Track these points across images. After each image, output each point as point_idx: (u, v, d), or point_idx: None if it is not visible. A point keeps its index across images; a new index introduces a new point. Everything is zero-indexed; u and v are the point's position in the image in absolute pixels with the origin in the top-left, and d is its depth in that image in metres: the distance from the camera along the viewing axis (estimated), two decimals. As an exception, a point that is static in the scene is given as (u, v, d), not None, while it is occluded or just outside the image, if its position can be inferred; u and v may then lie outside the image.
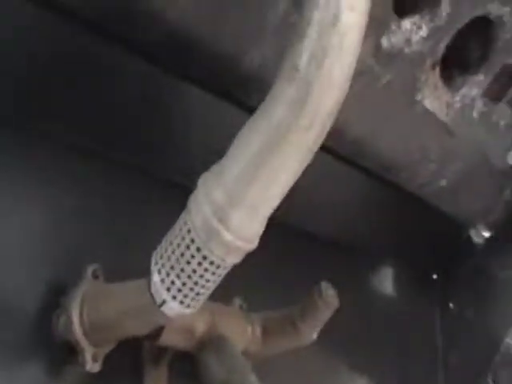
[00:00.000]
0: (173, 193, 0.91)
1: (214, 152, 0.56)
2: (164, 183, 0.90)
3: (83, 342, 0.70)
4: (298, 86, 0.48)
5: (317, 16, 0.46)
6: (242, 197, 0.52)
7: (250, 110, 0.53)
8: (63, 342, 0.71)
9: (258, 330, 0.84)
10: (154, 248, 0.60)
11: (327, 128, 0.50)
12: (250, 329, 0.84)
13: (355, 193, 1.13)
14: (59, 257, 0.75)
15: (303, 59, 0.47)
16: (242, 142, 0.53)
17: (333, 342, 0.99)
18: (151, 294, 0.59)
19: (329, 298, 0.80)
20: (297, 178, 0.53)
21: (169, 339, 0.74)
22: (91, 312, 0.70)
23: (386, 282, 1.34)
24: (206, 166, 0.57)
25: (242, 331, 0.83)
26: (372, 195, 1.13)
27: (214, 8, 0.65)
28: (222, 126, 0.84)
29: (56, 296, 0.72)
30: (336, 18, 0.46)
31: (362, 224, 1.16)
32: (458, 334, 1.37)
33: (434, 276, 1.41)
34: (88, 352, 0.71)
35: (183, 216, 0.56)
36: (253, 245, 0.55)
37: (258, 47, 0.69)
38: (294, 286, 0.96)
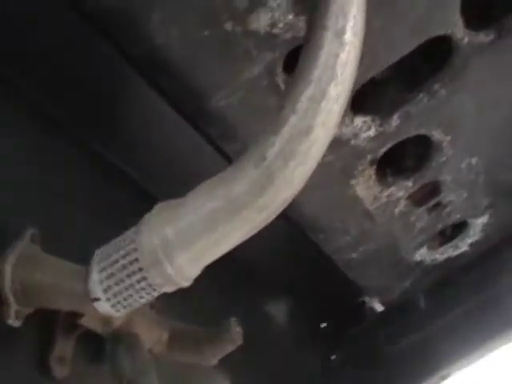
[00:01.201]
0: (115, 175, 1.00)
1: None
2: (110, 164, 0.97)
3: (10, 298, 0.74)
4: (261, 173, 0.56)
5: (293, 121, 0.55)
6: (190, 243, 0.59)
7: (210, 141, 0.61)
8: None
9: (165, 336, 0.92)
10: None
11: (279, 212, 0.59)
12: (158, 332, 0.91)
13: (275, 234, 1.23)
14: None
15: (272, 152, 0.55)
16: (203, 195, 0.60)
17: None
18: (87, 287, 0.65)
19: (235, 334, 0.90)
20: (242, 241, 0.61)
21: (87, 321, 0.82)
22: (25, 275, 0.74)
23: (280, 316, 1.44)
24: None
25: (151, 332, 0.90)
26: (290, 240, 1.23)
27: (200, 49, 0.74)
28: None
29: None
30: (310, 129, 0.54)
31: (271, 260, 1.27)
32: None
33: (323, 325, 1.52)
34: (12, 308, 0.75)
35: (133, 233, 0.63)
36: (188, 284, 0.63)
37: (226, 94, 0.78)
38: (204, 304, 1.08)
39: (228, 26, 0.71)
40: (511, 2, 0.80)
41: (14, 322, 0.76)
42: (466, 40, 0.78)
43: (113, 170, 0.99)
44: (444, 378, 1.39)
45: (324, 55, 0.55)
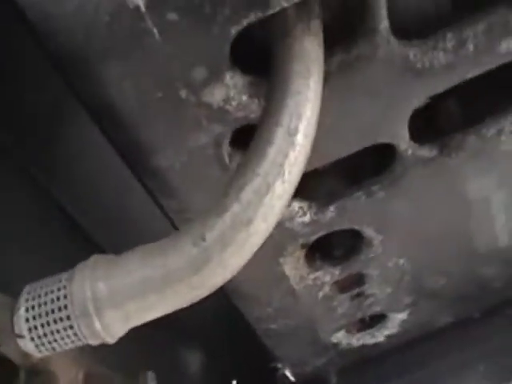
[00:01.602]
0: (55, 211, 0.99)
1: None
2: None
3: None
4: (198, 253, 0.57)
5: (235, 209, 0.56)
6: (120, 304, 0.60)
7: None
8: None
9: (81, 376, 0.92)
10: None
11: (209, 293, 0.61)
12: (74, 371, 0.91)
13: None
14: None
15: (212, 235, 0.57)
16: (140, 260, 0.61)
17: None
18: (12, 321, 0.64)
19: None
20: (171, 311, 0.62)
21: (5, 350, 0.78)
22: None
23: (194, 368, 1.43)
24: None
25: (68, 371, 0.90)
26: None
27: (151, 108, 0.75)
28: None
29: None
30: (250, 221, 0.56)
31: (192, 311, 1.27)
32: None
33: (234, 382, 1.51)
34: None
35: (65, 279, 0.63)
36: (113, 341, 0.64)
37: (169, 156, 0.79)
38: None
39: (182, 94, 0.72)
40: (455, 121, 0.84)
41: None
42: (409, 151, 0.81)
43: (53, 206, 0.98)
44: None
45: (274, 152, 0.57)
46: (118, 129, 0.77)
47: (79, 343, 0.63)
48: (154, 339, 1.22)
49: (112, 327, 0.61)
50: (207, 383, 1.45)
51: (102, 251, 0.67)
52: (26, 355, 0.80)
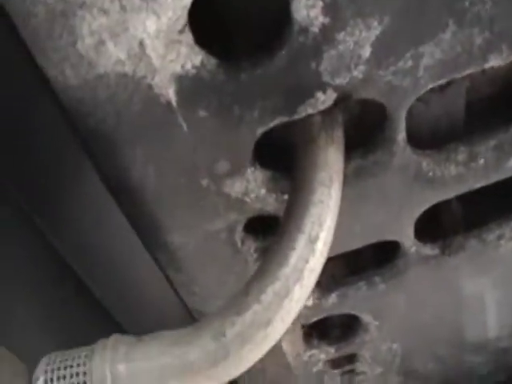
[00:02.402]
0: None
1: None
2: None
3: None
4: (218, 348, 0.60)
5: (256, 309, 0.59)
6: None
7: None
8: None
9: None
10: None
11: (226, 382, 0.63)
12: None
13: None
14: None
15: (232, 332, 0.59)
16: (160, 347, 0.62)
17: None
18: None
19: None
20: None
21: None
22: None
23: None
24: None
25: None
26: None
27: (172, 192, 0.77)
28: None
29: None
30: (269, 321, 0.59)
31: None
32: None
33: None
34: None
35: (85, 356, 0.64)
36: None
37: (183, 236, 0.81)
38: None
39: (204, 182, 0.75)
40: (457, 221, 0.88)
41: None
42: (413, 249, 0.84)
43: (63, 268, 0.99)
44: None
45: (295, 257, 0.60)
46: (136, 206, 0.79)
47: None
48: None
49: None
50: None
51: (109, 316, 0.68)
52: None
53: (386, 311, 0.94)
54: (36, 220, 0.92)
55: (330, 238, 0.63)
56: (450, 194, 0.78)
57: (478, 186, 0.79)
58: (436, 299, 0.95)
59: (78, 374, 0.63)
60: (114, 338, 0.65)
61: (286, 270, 0.60)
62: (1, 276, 0.88)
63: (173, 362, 0.61)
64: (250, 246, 0.82)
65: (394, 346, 1.02)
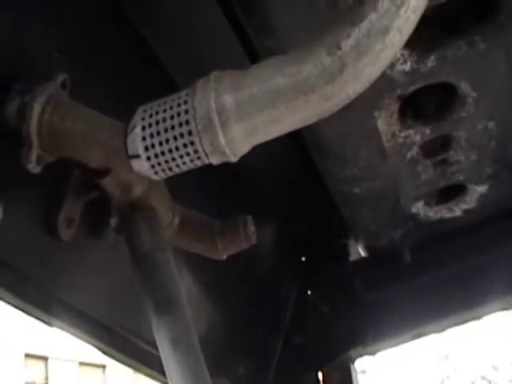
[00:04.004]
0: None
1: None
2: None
3: (34, 141, 0.70)
4: (334, 61, 0.57)
5: (372, 18, 0.56)
6: (249, 116, 0.59)
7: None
8: (8, 131, 0.69)
9: (177, 221, 0.89)
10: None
11: (341, 106, 0.60)
12: (171, 214, 0.88)
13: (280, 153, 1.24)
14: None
15: (347, 44, 0.57)
16: (270, 69, 0.59)
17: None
18: (125, 141, 0.62)
19: (250, 233, 0.88)
20: (296, 127, 0.61)
21: (107, 183, 0.78)
22: (55, 119, 0.70)
23: (267, 235, 1.47)
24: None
25: (166, 212, 0.87)
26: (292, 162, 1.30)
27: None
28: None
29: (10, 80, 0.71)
30: (386, 30, 0.56)
31: (270, 179, 1.33)
32: (305, 321, 1.51)
33: (303, 258, 1.56)
34: (35, 152, 0.70)
35: (186, 94, 0.61)
36: (235, 159, 0.62)
37: None
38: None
39: None
40: None
41: (33, 167, 0.71)
42: (515, -1, 0.83)
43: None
44: (416, 336, 1.45)
45: None
46: None
47: (199, 162, 0.62)
48: (233, 200, 1.25)
49: (237, 142, 0.60)
50: (277, 255, 1.49)
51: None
52: (127, 189, 0.79)
53: (484, 79, 0.94)
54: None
55: None
56: None
57: None
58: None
59: (179, 114, 0.60)
60: (215, 73, 0.62)
61: None
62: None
63: (285, 82, 0.58)
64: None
65: (491, 125, 1.02)
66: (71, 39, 0.85)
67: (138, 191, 0.81)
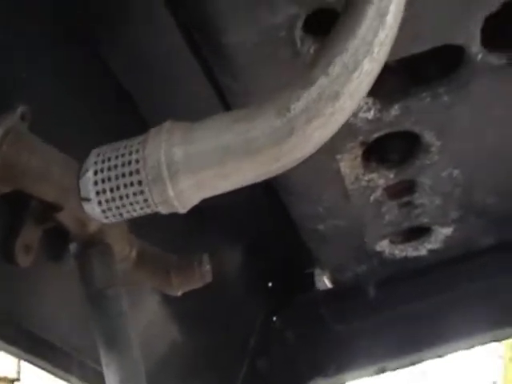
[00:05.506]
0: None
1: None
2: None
3: None
4: (283, 124, 0.56)
5: (323, 83, 0.55)
6: (197, 170, 0.58)
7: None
8: None
9: (134, 254, 0.89)
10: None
11: (289, 167, 0.59)
12: (128, 248, 0.88)
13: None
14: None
15: (297, 107, 0.55)
16: (220, 125, 0.59)
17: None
18: (78, 183, 0.62)
19: (205, 271, 0.88)
20: (247, 184, 0.61)
21: (63, 217, 0.78)
22: (11, 151, 0.71)
23: (233, 263, 1.47)
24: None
25: (122, 246, 0.87)
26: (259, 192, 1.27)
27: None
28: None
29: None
30: (337, 96, 0.55)
31: (235, 207, 1.28)
32: (269, 347, 1.51)
33: (270, 284, 1.55)
34: None
35: (138, 143, 0.60)
36: (184, 211, 0.61)
37: (242, 34, 0.79)
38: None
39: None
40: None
41: None
42: (478, 56, 0.82)
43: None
44: (379, 371, 1.43)
45: (364, 29, 0.56)
46: (192, 10, 0.79)
47: (148, 210, 0.61)
48: (198, 231, 1.25)
49: (185, 195, 0.59)
50: (244, 281, 1.49)
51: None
52: (82, 224, 0.80)
53: (448, 129, 0.93)
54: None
55: (399, 14, 0.58)
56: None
57: None
58: (502, 119, 0.92)
59: (130, 162, 0.59)
60: (169, 123, 0.61)
61: (355, 42, 0.56)
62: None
63: (234, 140, 0.57)
64: (310, 47, 0.80)
65: (455, 173, 1.01)
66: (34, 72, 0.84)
67: (93, 227, 0.82)
